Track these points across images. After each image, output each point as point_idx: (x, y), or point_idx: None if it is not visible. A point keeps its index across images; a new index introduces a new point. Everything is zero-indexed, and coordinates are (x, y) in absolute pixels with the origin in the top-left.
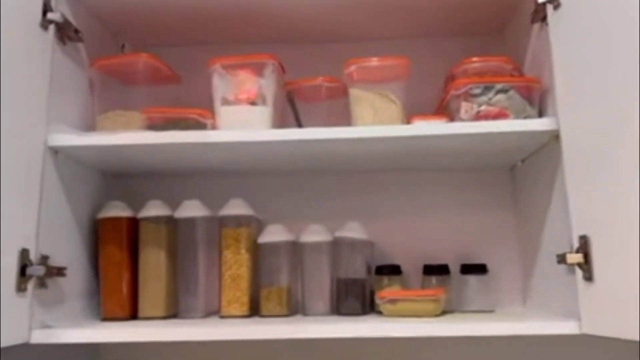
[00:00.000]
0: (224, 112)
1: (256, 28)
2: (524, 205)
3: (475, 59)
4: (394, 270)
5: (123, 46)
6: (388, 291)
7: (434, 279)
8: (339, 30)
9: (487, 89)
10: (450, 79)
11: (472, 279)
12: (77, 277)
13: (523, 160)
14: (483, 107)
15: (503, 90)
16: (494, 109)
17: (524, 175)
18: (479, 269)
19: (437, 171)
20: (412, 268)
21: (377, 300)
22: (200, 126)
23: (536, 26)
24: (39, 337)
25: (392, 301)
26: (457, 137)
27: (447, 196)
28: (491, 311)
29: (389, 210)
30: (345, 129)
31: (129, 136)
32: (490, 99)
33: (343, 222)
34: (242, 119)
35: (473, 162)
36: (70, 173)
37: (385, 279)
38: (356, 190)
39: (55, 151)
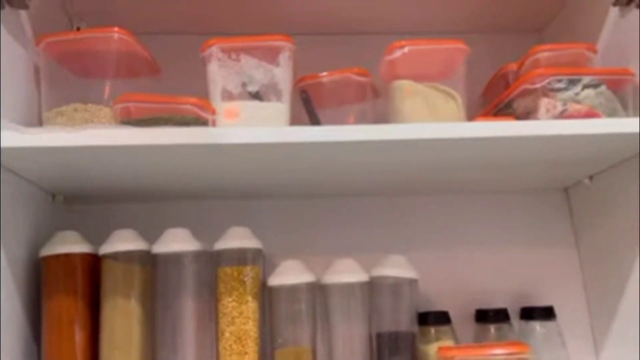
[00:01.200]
0: (226, 110)
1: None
2: (591, 235)
3: (549, 46)
4: (441, 318)
5: (78, 29)
6: (454, 347)
7: (492, 328)
8: (362, 20)
9: (572, 82)
10: (501, 78)
11: (538, 327)
12: (7, 341)
13: (591, 177)
14: (569, 105)
15: (592, 85)
16: (582, 107)
17: (589, 197)
18: (545, 313)
19: (480, 193)
20: (460, 314)
21: None
22: (200, 123)
23: (615, 10)
24: None
25: None
26: (541, 140)
27: (494, 223)
28: None
29: (428, 241)
30: (405, 127)
31: (104, 134)
32: (577, 94)
33: (375, 256)
34: (251, 118)
35: (529, 179)
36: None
37: (432, 330)
38: (389, 218)
39: None
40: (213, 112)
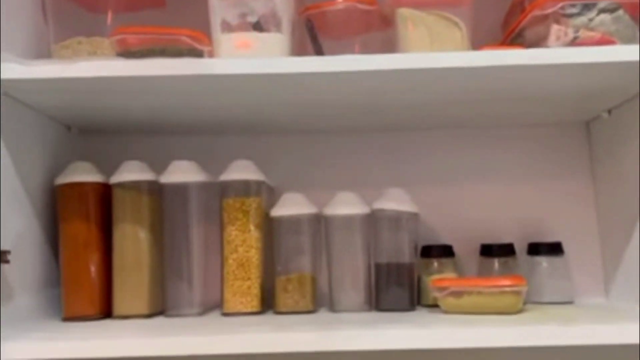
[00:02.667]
0: (225, 41)
1: None
2: (607, 169)
3: None
4: (445, 251)
5: None
6: (448, 278)
7: (496, 263)
8: None
9: (586, 7)
10: (517, 5)
11: (545, 262)
12: (27, 263)
13: (610, 111)
14: (581, 32)
15: (609, 10)
16: (595, 34)
17: (608, 131)
18: (553, 248)
19: (495, 127)
20: (465, 248)
21: (434, 292)
22: (195, 54)
23: None
24: None
25: (456, 294)
26: (549, 70)
27: (507, 158)
28: (570, 302)
29: (435, 175)
30: (402, 56)
31: (97, 65)
32: (591, 20)
33: (378, 190)
34: (251, 50)
35: (545, 112)
36: (18, 121)
37: (435, 263)
38: (394, 151)
39: None
40: (208, 44)
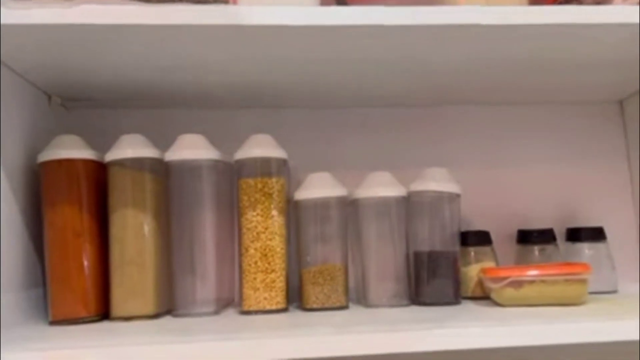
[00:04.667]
0: None
1: None
2: None
3: None
4: (482, 238)
5: None
6: (500, 268)
7: (536, 250)
8: None
9: None
10: None
11: (587, 249)
12: (7, 255)
13: None
14: None
15: None
16: None
17: None
18: (595, 234)
19: (530, 104)
20: (500, 234)
21: (487, 283)
22: (218, 0)
23: None
24: None
25: (516, 284)
26: (609, 31)
27: (541, 138)
28: (614, 292)
29: (468, 156)
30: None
31: (103, 10)
32: None
33: (410, 171)
34: None
35: (584, 88)
36: None
37: (472, 251)
38: (427, 130)
39: None
40: None
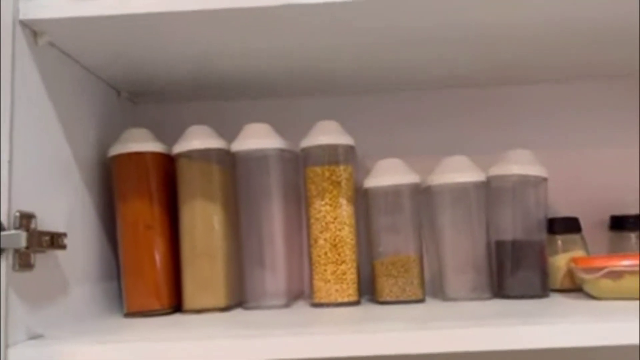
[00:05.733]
0: None
1: None
2: None
3: None
4: (571, 225)
5: None
6: (598, 257)
7: (632, 237)
8: None
9: None
10: None
11: None
12: (82, 249)
13: None
14: None
15: None
16: None
17: None
18: None
19: (616, 77)
20: (590, 221)
21: (580, 274)
22: None
23: None
24: (19, 356)
25: (615, 274)
26: None
27: (634, 113)
28: None
29: (551, 136)
30: None
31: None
32: None
33: (488, 155)
34: None
35: None
36: (62, 76)
37: (559, 240)
38: (506, 110)
39: (32, 31)
40: None
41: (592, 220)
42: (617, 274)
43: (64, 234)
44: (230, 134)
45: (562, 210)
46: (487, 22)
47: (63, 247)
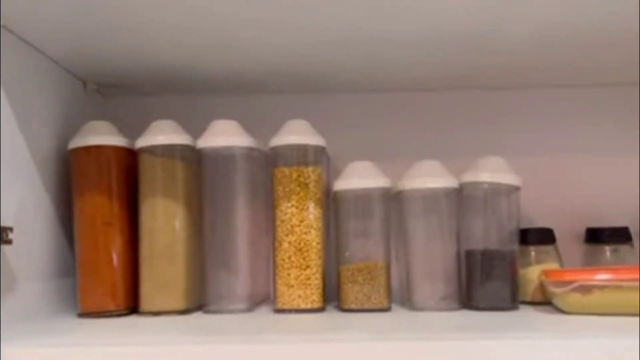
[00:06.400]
0: None
1: None
2: None
3: None
4: (544, 236)
5: None
6: (569, 270)
7: (607, 251)
8: None
9: None
10: None
11: None
12: (34, 244)
13: None
14: None
15: None
16: None
17: None
18: None
19: (598, 86)
20: (565, 232)
21: (550, 287)
22: None
23: None
24: None
25: (585, 288)
26: None
27: (613, 122)
28: None
29: (528, 143)
30: None
31: None
32: None
33: (461, 161)
34: None
35: None
36: (23, 67)
37: (532, 251)
38: (479, 115)
39: None
40: None
41: (569, 232)
42: (586, 289)
43: (10, 229)
44: (199, 131)
45: (538, 220)
46: (458, 28)
47: (8, 242)
